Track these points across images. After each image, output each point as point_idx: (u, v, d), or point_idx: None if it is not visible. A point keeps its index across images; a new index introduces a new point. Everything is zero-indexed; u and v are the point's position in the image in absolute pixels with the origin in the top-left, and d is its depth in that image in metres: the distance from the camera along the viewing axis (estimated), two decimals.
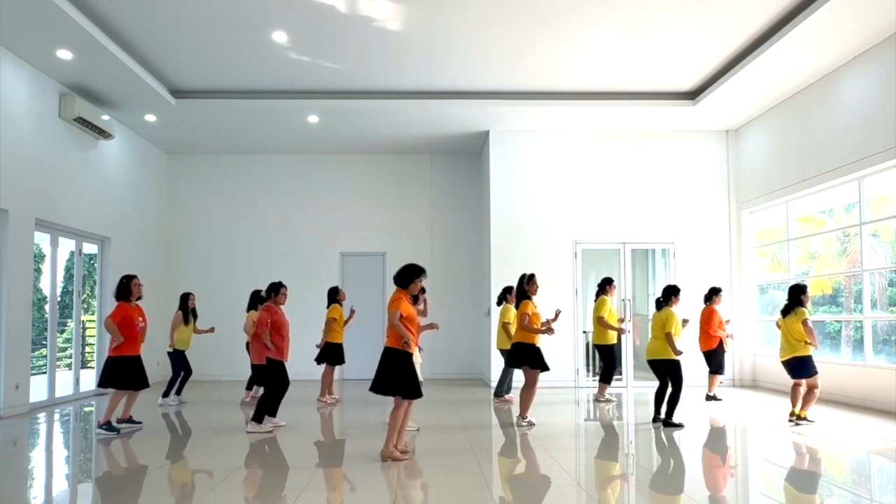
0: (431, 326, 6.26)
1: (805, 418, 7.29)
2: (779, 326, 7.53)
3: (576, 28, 8.14)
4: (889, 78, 7.96)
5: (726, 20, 7.97)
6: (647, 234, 11.37)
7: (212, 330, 9.47)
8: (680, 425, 7.11)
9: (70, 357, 10.57)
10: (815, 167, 9.32)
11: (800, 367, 7.24)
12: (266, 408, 6.97)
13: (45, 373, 9.45)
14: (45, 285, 10.09)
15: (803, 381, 7.31)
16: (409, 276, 5.63)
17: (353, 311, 9.41)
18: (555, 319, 7.43)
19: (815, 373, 7.20)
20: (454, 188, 13.05)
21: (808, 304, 7.34)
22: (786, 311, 7.39)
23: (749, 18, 7.94)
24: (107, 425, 6.84)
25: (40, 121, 8.83)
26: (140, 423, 7.21)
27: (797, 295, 7.33)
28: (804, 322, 7.13)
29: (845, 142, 8.72)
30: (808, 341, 7.12)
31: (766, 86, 9.52)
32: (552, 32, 8.24)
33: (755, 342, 11.10)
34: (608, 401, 9.22)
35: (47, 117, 9.00)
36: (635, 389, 10.61)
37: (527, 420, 7.27)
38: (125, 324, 6.86)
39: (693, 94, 10.37)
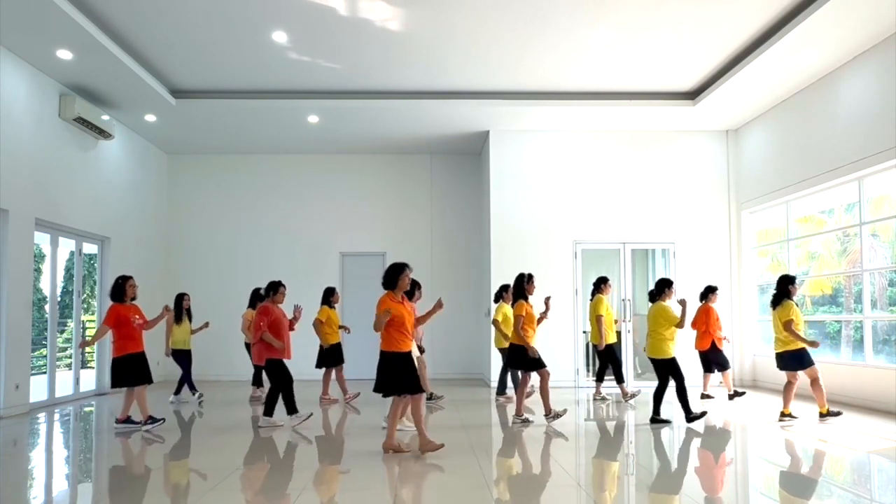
0: (435, 309, 6.08)
1: (829, 412, 7.27)
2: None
3: (576, 28, 8.14)
4: (889, 78, 7.96)
5: (726, 20, 7.96)
6: (646, 234, 11.37)
7: (206, 325, 9.52)
8: (703, 413, 7.20)
9: (70, 357, 10.57)
10: (815, 167, 9.32)
11: (793, 360, 7.19)
12: (288, 402, 7.16)
13: (45, 373, 9.45)
14: (45, 285, 10.08)
15: (797, 377, 7.28)
16: (394, 276, 5.69)
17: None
18: (546, 309, 7.53)
19: (811, 364, 7.12)
20: (454, 188, 13.05)
21: (795, 296, 7.29)
22: (774, 303, 7.36)
23: (749, 19, 7.94)
24: (126, 420, 7.03)
25: (40, 121, 8.83)
26: (139, 423, 7.21)
27: (784, 285, 7.30)
28: (787, 325, 7.05)
29: (845, 142, 8.72)
30: (801, 339, 7.06)
31: (765, 86, 9.52)
32: (552, 32, 8.24)
33: (755, 342, 11.10)
34: (604, 399, 9.27)
35: (47, 117, 8.99)
36: (635, 389, 10.58)
37: (553, 413, 7.29)
38: (120, 323, 6.92)
39: (693, 94, 10.37)
